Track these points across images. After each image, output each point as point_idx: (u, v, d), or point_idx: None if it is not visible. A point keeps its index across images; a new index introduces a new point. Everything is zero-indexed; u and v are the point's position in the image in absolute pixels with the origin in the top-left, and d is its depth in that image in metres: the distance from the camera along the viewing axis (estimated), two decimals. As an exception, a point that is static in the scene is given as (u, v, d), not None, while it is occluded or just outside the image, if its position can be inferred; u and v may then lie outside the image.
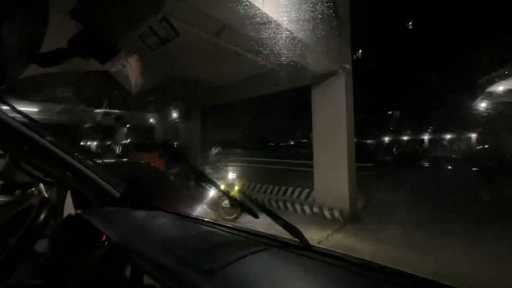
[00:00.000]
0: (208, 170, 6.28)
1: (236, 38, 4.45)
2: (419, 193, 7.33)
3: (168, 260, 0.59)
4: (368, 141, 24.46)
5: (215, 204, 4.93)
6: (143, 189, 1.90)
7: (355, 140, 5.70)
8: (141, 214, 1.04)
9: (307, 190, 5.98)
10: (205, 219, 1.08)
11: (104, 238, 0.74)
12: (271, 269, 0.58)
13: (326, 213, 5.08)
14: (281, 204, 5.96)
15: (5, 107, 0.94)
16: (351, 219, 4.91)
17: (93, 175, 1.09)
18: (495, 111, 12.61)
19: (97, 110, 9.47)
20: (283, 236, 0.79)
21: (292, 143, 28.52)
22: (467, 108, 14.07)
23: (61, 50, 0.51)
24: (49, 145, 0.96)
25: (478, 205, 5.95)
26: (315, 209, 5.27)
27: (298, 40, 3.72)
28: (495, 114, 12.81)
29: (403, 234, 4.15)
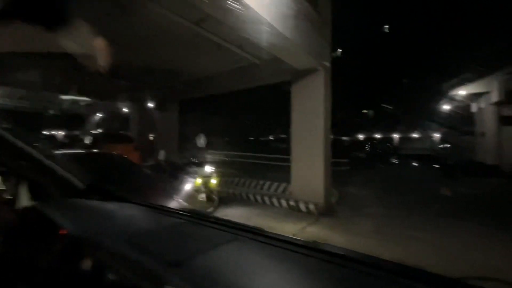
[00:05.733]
0: (184, 164, 6.13)
1: (218, 29, 4.34)
2: (388, 188, 7.83)
3: (132, 253, 0.56)
4: (344, 138, 25.48)
5: (191, 198, 4.85)
6: (113, 180, 1.80)
7: (331, 137, 5.89)
8: (108, 206, 0.98)
9: (284, 184, 6.10)
10: (179, 211, 1.05)
11: (62, 231, 0.69)
12: (241, 259, 0.58)
13: (302, 207, 5.23)
14: (258, 197, 6.02)
15: None
16: (325, 212, 5.10)
17: (53, 165, 1.00)
18: (457, 113, 13.78)
19: (65, 97, 8.76)
20: (256, 225, 0.80)
21: (272, 138, 28.76)
22: (433, 109, 15.19)
23: None
24: None
25: (439, 200, 6.51)
26: (292, 203, 5.40)
27: (279, 35, 3.71)
28: (456, 116, 14.00)
29: (372, 226, 4.41)
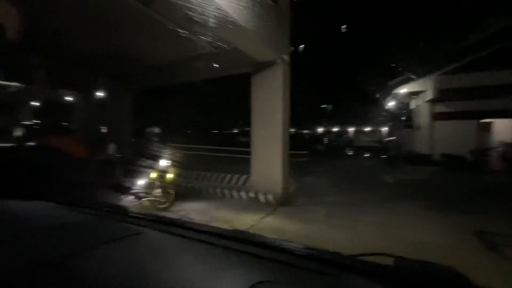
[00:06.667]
0: (138, 157, 5.71)
1: (170, 12, 4.05)
2: (341, 177, 8.46)
3: (4, 255, 0.46)
4: (305, 131, 26.67)
5: (144, 193, 4.56)
6: (34, 177, 1.57)
7: (292, 130, 6.08)
8: (2, 205, 0.82)
9: (244, 177, 6.13)
10: (96, 206, 0.93)
11: None
12: (137, 254, 0.52)
13: (261, 198, 5.33)
14: (218, 190, 5.95)
15: None
16: (284, 202, 5.29)
17: None
18: (399, 109, 15.48)
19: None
20: (172, 217, 0.74)
21: (236, 131, 28.59)
22: (382, 104, 16.80)
23: None
24: None
25: (383, 186, 7.28)
26: (251, 194, 5.47)
27: (236, 23, 3.62)
28: (399, 111, 15.73)
29: (325, 214, 4.73)
